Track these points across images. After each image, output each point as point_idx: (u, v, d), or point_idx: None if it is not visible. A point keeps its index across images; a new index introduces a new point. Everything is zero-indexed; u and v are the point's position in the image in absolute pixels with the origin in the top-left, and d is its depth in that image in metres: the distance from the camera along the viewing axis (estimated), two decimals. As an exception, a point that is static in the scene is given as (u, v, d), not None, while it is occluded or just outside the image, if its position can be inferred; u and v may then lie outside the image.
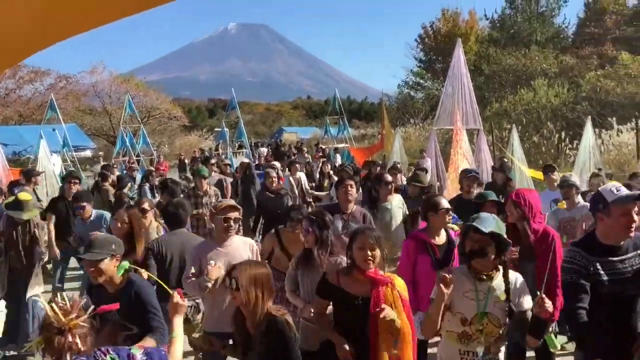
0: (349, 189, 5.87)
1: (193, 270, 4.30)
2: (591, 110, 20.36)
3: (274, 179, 8.47)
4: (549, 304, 2.87)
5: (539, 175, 11.29)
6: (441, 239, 4.67)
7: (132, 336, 3.42)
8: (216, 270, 4.11)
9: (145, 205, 5.98)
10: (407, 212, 6.54)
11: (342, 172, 9.84)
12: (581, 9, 36.05)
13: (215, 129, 40.64)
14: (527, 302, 3.14)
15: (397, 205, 6.50)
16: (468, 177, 7.20)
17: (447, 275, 2.97)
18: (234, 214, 4.38)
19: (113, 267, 3.54)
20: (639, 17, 32.29)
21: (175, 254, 4.88)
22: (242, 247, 4.47)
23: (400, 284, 3.54)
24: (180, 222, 5.20)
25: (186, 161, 22.61)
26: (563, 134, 19.08)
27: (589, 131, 11.09)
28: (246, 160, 16.18)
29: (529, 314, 3.07)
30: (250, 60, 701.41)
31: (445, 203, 4.72)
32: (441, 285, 2.96)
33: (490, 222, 3.09)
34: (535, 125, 21.60)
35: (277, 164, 10.91)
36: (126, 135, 24.54)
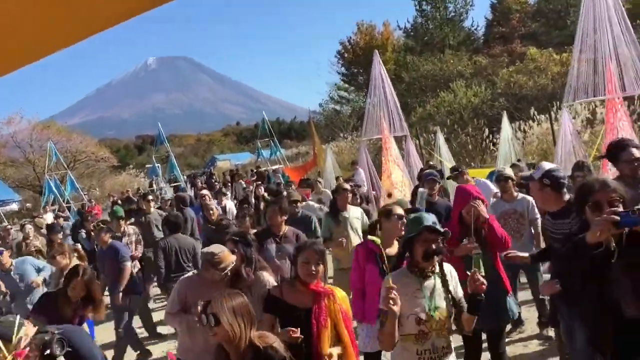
0: (276, 211, 5.93)
1: (178, 307, 4.31)
2: (508, 106, 21.36)
3: (213, 211, 8.40)
4: (478, 278, 3.07)
5: (475, 173, 11.81)
6: (394, 249, 4.57)
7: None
8: None
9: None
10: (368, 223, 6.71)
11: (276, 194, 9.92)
12: (488, 11, 37.91)
13: (146, 166, 39.84)
14: (459, 289, 3.34)
15: (354, 216, 6.76)
16: (427, 180, 7.43)
17: (393, 291, 2.98)
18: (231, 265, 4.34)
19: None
20: (542, 13, 34.25)
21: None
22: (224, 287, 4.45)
23: (341, 295, 3.63)
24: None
25: (119, 202, 22.03)
26: (487, 130, 19.88)
27: (506, 125, 11.66)
28: (181, 194, 15.98)
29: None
30: (173, 93, 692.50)
31: (399, 210, 4.67)
32: (390, 303, 2.98)
33: (435, 220, 3.29)
34: (460, 125, 22.44)
35: (205, 192, 10.83)
36: (53, 183, 23.69)
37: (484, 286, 3.10)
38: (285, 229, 5.99)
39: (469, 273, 3.19)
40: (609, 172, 5.75)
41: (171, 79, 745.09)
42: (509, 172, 6.53)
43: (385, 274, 4.45)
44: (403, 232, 4.66)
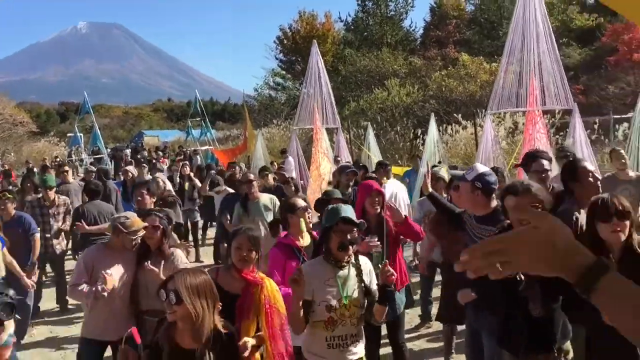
0: None
1: (85, 278, 4.26)
2: (438, 108, 22.02)
3: (160, 184, 8.16)
4: (389, 269, 3.23)
5: (397, 170, 12.13)
6: (305, 240, 4.61)
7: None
8: (111, 279, 4.13)
9: None
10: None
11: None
12: (427, 13, 38.76)
13: (68, 134, 38.20)
14: (374, 282, 3.47)
15: (264, 203, 6.84)
16: (347, 172, 7.54)
17: (297, 276, 3.08)
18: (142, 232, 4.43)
19: None
20: (477, 21, 35.41)
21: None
22: (132, 257, 4.46)
23: (270, 286, 3.57)
24: None
25: (35, 170, 21.02)
26: (419, 131, 20.40)
27: (432, 127, 12.01)
28: (104, 167, 15.47)
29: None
30: (104, 61, 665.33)
31: (301, 202, 4.74)
32: (294, 284, 3.09)
33: (352, 213, 3.42)
34: (390, 122, 22.92)
35: (131, 168, 10.50)
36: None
37: (393, 277, 3.25)
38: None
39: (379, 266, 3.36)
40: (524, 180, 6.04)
41: (103, 46, 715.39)
42: (443, 172, 6.66)
43: None
44: (311, 224, 4.85)
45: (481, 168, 4.21)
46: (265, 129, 29.25)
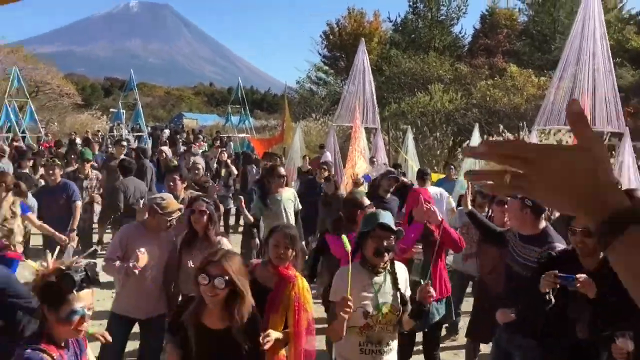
0: None
1: (118, 253, 4.33)
2: (480, 117, 21.66)
3: (199, 171, 8.13)
4: (429, 290, 3.18)
5: (434, 177, 11.93)
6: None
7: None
8: (144, 258, 4.17)
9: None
10: (300, 206, 6.91)
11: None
12: (477, 21, 38.14)
13: (111, 110, 38.87)
14: (408, 290, 3.44)
15: (287, 198, 6.78)
16: (389, 178, 7.43)
17: (349, 302, 2.99)
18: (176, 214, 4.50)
19: None
20: (528, 33, 34.69)
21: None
22: (167, 239, 4.57)
23: (302, 284, 3.57)
24: None
25: (77, 141, 21.45)
26: (459, 138, 20.11)
27: (476, 136, 11.79)
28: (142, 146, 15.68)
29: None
30: (152, 41, 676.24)
31: (367, 200, 4.82)
32: (344, 310, 2.99)
33: (390, 218, 3.36)
34: (430, 128, 22.65)
35: (165, 148, 10.57)
36: (12, 110, 22.86)
37: (432, 299, 3.24)
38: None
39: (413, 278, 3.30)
40: None
41: (152, 26, 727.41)
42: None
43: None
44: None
45: None
46: (303, 122, 29.25)
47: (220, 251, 3.01)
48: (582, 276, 3.03)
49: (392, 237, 3.32)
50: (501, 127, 18.69)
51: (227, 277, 2.77)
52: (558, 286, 3.15)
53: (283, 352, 3.42)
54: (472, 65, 30.80)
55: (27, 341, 2.49)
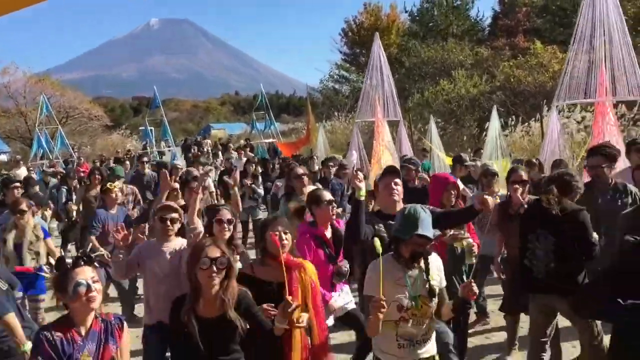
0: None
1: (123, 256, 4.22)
2: (505, 100, 21.34)
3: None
4: (472, 287, 3.19)
5: (448, 160, 11.87)
6: (329, 232, 4.69)
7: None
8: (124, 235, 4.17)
9: (23, 206, 6.23)
10: None
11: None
12: (496, 2, 37.55)
13: (140, 128, 39.62)
14: (443, 280, 3.43)
15: None
16: (402, 167, 7.37)
17: (383, 302, 2.99)
18: (171, 215, 4.36)
19: None
20: (549, 9, 33.98)
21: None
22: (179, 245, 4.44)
23: (310, 268, 3.71)
24: None
25: (110, 160, 21.95)
26: (487, 124, 19.77)
27: (494, 120, 11.64)
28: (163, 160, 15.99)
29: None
30: (174, 57, 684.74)
31: (328, 196, 4.75)
32: (378, 311, 3.00)
33: (429, 223, 3.23)
34: (455, 115, 22.42)
35: (179, 163, 10.76)
36: (43, 138, 23.54)
37: (474, 297, 3.27)
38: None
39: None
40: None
41: (173, 41, 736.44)
42: (496, 168, 6.50)
43: (331, 258, 4.56)
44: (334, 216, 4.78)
45: None
46: (327, 122, 29.31)
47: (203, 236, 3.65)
48: None
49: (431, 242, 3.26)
50: (527, 107, 18.41)
51: (227, 258, 3.14)
52: None
53: (300, 331, 3.49)
54: (492, 48, 30.34)
55: (42, 327, 2.94)
